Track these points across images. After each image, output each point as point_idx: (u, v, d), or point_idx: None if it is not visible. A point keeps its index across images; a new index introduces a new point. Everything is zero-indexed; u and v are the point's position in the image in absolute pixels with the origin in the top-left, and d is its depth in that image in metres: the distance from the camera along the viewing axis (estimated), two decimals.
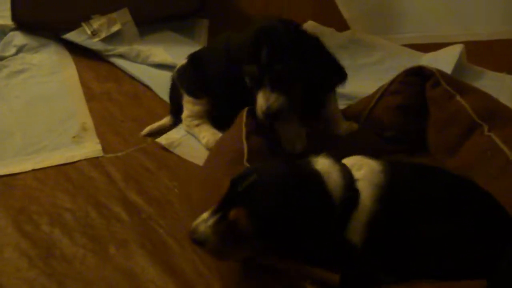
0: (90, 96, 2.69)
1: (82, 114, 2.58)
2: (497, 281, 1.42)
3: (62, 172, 2.29)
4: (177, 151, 2.36)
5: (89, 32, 2.91)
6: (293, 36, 2.01)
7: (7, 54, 2.93)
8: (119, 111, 2.60)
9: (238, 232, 1.49)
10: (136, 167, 2.31)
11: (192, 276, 1.90)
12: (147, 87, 2.75)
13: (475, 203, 1.66)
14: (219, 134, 2.32)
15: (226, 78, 2.21)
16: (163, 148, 2.38)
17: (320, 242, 1.51)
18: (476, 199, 1.68)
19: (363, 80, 2.65)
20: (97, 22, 2.92)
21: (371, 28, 3.15)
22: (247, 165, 1.86)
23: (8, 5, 2.99)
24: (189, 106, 2.38)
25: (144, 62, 2.87)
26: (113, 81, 2.77)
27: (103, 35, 2.91)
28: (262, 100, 1.99)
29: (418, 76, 2.27)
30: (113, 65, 2.88)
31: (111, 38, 2.92)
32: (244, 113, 2.05)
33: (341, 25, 3.17)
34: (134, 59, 2.86)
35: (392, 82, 2.30)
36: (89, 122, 2.53)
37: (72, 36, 2.93)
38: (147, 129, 2.45)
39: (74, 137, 2.46)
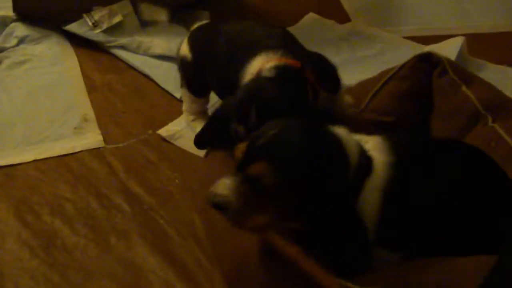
0: (91, 87, 2.69)
1: (84, 105, 2.58)
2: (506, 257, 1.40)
3: (63, 162, 2.30)
4: (178, 143, 2.37)
5: (90, 23, 2.91)
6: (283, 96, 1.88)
7: (8, 45, 2.92)
8: (121, 102, 2.60)
9: (260, 189, 1.45)
10: (138, 158, 2.32)
11: (193, 267, 1.92)
12: (148, 78, 2.75)
13: (489, 172, 1.69)
14: None
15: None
16: (164, 140, 2.38)
17: (336, 202, 1.49)
18: (489, 168, 1.70)
19: (363, 72, 2.65)
20: (98, 14, 2.92)
21: (372, 21, 3.15)
22: None
23: None
24: (187, 100, 2.37)
25: (146, 53, 2.87)
26: (114, 72, 2.77)
27: (104, 26, 2.91)
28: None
29: (427, 63, 2.26)
30: (114, 56, 2.88)
31: (112, 30, 2.92)
32: None
33: (343, 17, 3.17)
34: (136, 50, 2.86)
35: (402, 66, 2.28)
36: (91, 113, 2.54)
37: (73, 27, 2.93)
38: None
39: (75, 128, 2.46)
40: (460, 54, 2.70)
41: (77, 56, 2.87)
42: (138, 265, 1.92)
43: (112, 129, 2.46)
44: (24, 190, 2.18)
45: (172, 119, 2.49)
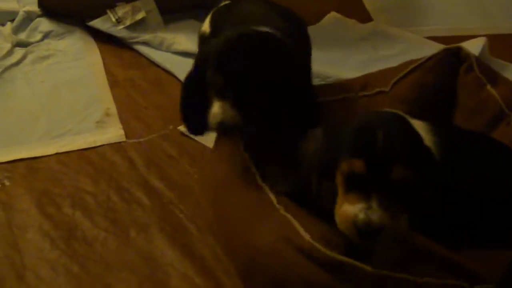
0: (114, 83, 2.71)
1: (106, 100, 2.60)
2: None
3: (85, 156, 2.33)
4: (198, 138, 2.37)
5: (113, 19, 2.93)
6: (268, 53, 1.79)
7: (33, 40, 2.95)
8: (142, 98, 2.62)
9: (400, 193, 1.46)
10: (158, 153, 2.34)
11: (211, 262, 1.93)
12: (170, 74, 2.76)
13: None
14: None
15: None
16: (185, 135, 2.39)
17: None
18: None
19: None
20: (121, 10, 2.94)
21: (394, 21, 3.14)
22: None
23: None
24: None
25: (168, 49, 2.88)
26: (137, 68, 2.79)
27: (128, 22, 2.93)
28: (217, 110, 1.75)
29: (455, 58, 2.25)
30: (137, 52, 2.89)
31: (136, 26, 2.94)
32: None
33: (364, 17, 3.17)
34: (158, 46, 2.88)
35: (430, 58, 2.26)
36: (113, 108, 2.56)
37: (97, 23, 2.96)
38: None
39: (97, 122, 2.49)
40: (481, 55, 2.69)
41: (100, 51, 2.89)
42: (156, 258, 1.94)
43: (134, 124, 2.48)
44: (46, 182, 2.21)
45: None
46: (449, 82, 2.22)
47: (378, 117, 1.59)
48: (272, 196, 1.75)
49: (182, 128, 2.41)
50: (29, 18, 3.04)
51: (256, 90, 1.73)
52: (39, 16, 3.05)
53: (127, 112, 2.53)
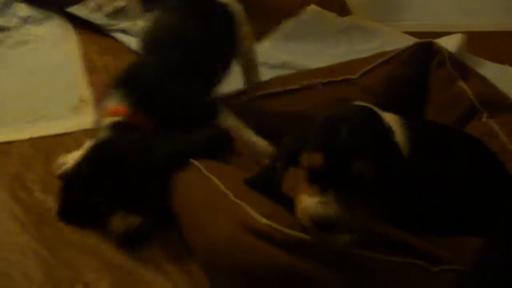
0: (91, 69, 2.71)
1: (82, 86, 2.61)
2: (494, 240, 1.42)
3: (59, 141, 2.33)
4: None
5: (93, 6, 2.93)
6: None
7: (11, 25, 2.95)
8: None
9: (358, 187, 1.47)
10: None
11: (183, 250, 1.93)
12: None
13: (487, 157, 1.78)
14: None
15: None
16: None
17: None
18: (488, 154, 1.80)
19: None
20: None
21: (373, 15, 3.17)
22: None
23: None
24: None
25: None
26: (114, 55, 2.79)
27: (107, 10, 2.93)
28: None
29: (427, 52, 2.27)
30: (115, 39, 2.90)
31: (115, 13, 2.94)
32: None
33: (344, 10, 3.18)
34: (136, 34, 2.87)
35: (403, 51, 2.30)
36: (89, 95, 2.56)
37: (76, 9, 2.95)
38: None
39: (73, 108, 2.49)
40: (458, 51, 2.71)
41: (78, 38, 2.89)
42: None
43: None
44: (18, 166, 2.21)
45: None
46: (421, 75, 2.24)
47: (345, 111, 1.60)
48: (220, 184, 1.75)
49: None
50: (8, 3, 3.03)
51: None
52: (18, 1, 3.03)
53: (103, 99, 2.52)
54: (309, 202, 1.48)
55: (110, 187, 1.84)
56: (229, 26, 2.30)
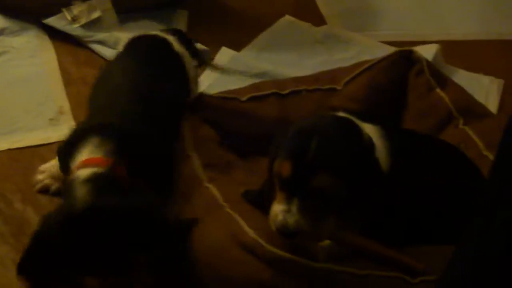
0: (68, 81, 2.70)
1: (60, 98, 2.60)
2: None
3: (37, 152, 2.32)
4: None
5: (69, 17, 2.92)
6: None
7: None
8: None
9: (323, 200, 1.50)
10: None
11: None
12: None
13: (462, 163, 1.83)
14: None
15: None
16: None
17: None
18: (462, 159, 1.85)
19: None
20: (77, 8, 2.93)
21: (348, 25, 3.19)
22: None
23: None
24: None
25: None
26: (92, 67, 2.77)
27: (83, 21, 2.92)
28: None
29: (407, 61, 2.30)
30: (92, 51, 2.89)
31: (91, 25, 2.93)
32: None
33: (318, 21, 3.20)
34: (113, 45, 2.87)
35: (383, 59, 2.33)
36: (66, 106, 2.56)
37: (52, 21, 2.94)
38: None
39: (50, 119, 2.48)
40: (434, 60, 2.74)
41: (55, 49, 2.88)
42: None
43: None
44: None
45: None
46: (400, 83, 2.27)
47: (321, 121, 1.62)
48: (218, 195, 1.77)
49: None
50: None
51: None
52: None
53: (81, 110, 2.51)
54: (275, 209, 1.52)
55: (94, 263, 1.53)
56: (183, 74, 2.21)
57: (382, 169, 1.61)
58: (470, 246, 1.18)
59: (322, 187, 1.49)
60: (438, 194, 1.72)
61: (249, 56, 2.89)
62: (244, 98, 2.23)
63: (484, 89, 2.77)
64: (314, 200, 1.49)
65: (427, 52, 2.79)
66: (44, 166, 2.16)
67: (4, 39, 2.92)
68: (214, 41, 2.92)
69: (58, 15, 2.94)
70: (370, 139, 1.63)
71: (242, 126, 2.19)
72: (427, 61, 2.32)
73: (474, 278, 1.14)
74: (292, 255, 1.56)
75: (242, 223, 1.66)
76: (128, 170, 1.67)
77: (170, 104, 2.00)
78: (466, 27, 3.27)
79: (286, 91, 2.25)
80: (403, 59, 2.32)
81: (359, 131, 1.62)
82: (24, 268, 1.61)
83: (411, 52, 2.33)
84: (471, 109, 2.19)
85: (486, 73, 2.87)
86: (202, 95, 2.25)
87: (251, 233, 1.62)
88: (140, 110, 1.89)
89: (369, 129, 1.68)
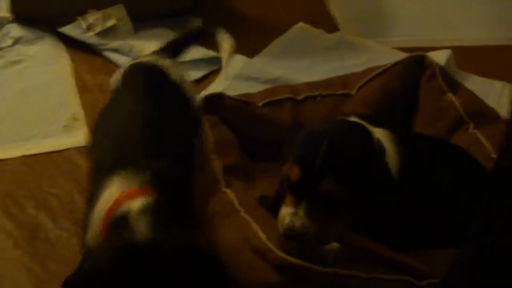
0: (82, 88, 2.74)
1: (74, 105, 2.63)
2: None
3: (51, 159, 2.36)
4: None
5: (84, 26, 2.96)
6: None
7: (4, 45, 2.97)
8: None
9: (331, 204, 1.51)
10: None
11: None
12: None
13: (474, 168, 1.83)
14: None
15: None
16: None
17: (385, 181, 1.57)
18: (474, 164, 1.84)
19: None
20: (92, 17, 2.97)
21: (361, 31, 3.19)
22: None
23: None
24: None
25: (138, 57, 2.91)
26: (106, 74, 2.79)
27: (98, 29, 2.96)
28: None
29: (419, 65, 2.32)
30: (107, 58, 2.92)
31: (106, 33, 2.97)
32: None
33: (331, 27, 3.21)
34: (128, 53, 2.91)
35: (396, 63, 2.35)
36: (80, 113, 2.59)
37: (67, 29, 2.98)
38: None
39: (65, 126, 2.52)
40: (446, 66, 2.74)
41: (70, 57, 2.91)
42: None
43: None
44: (11, 184, 2.24)
45: None
46: (413, 88, 2.27)
47: (332, 127, 1.63)
48: (235, 199, 1.78)
49: None
50: (0, 23, 3.06)
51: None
52: (10, 21, 3.06)
53: (94, 117, 2.54)
54: (282, 212, 1.53)
55: None
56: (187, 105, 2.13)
57: (391, 173, 1.62)
58: (469, 249, 1.19)
59: (329, 191, 1.50)
60: (448, 198, 1.73)
61: (262, 62, 2.90)
62: (260, 104, 2.25)
63: (496, 94, 2.76)
64: (321, 203, 1.51)
65: (440, 57, 2.78)
66: None
67: (20, 47, 2.96)
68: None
69: (73, 24, 2.98)
70: (380, 143, 1.64)
71: (258, 131, 2.22)
72: (439, 66, 2.33)
73: (473, 281, 1.15)
74: (302, 261, 1.57)
75: (256, 227, 1.67)
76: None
77: (180, 132, 1.94)
78: (478, 33, 3.26)
79: (301, 97, 2.27)
80: (416, 64, 2.33)
81: (369, 136, 1.63)
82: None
83: (423, 57, 2.34)
84: (482, 114, 2.19)
85: (498, 78, 2.86)
86: (222, 95, 2.24)
87: (263, 238, 1.63)
88: (153, 140, 1.82)
89: (380, 134, 1.69)
